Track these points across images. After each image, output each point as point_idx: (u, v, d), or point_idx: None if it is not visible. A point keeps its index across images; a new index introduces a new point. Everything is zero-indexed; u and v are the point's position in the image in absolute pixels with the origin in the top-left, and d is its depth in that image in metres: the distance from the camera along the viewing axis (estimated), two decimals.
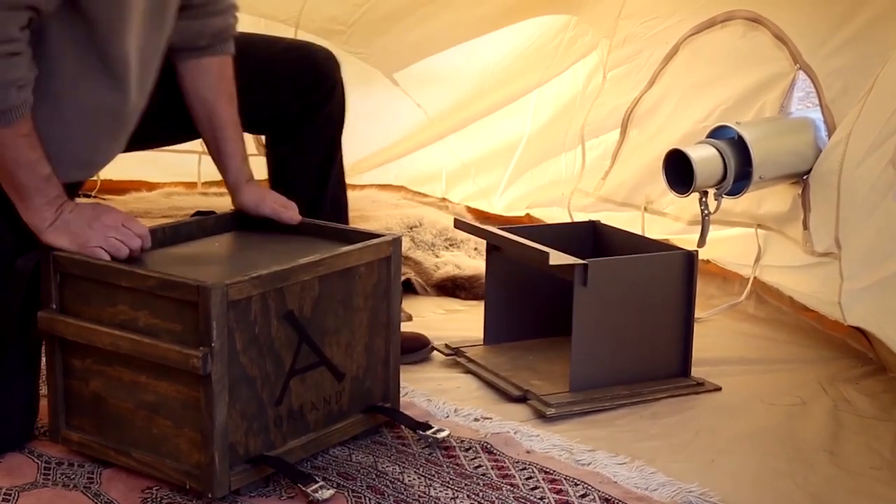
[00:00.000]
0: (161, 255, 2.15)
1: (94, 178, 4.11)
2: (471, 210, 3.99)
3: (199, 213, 2.33)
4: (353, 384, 2.16)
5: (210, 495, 1.92)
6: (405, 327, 2.92)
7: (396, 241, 2.21)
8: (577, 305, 2.41)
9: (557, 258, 2.41)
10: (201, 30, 2.25)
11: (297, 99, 2.41)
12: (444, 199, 4.10)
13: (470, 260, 3.36)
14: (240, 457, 1.95)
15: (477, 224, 2.98)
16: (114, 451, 2.03)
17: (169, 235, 2.23)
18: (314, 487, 1.95)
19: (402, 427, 2.23)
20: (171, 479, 1.97)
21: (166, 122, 2.31)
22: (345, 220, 2.53)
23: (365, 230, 2.29)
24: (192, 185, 4.16)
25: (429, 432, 2.18)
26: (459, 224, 2.90)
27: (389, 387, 2.24)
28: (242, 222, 2.34)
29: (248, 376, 1.95)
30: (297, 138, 2.44)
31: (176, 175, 4.11)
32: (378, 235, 2.21)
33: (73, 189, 2.12)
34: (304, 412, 2.07)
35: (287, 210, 2.27)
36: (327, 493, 1.94)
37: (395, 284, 2.21)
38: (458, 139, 4.09)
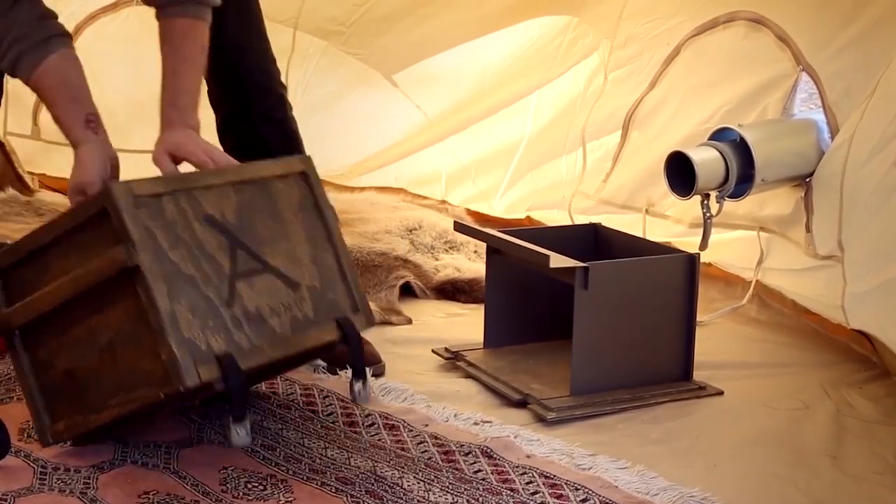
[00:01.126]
0: None
1: None
2: (471, 212, 3.98)
3: None
4: (312, 294, 2.15)
5: (181, 388, 1.89)
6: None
7: (307, 159, 2.26)
8: (578, 309, 2.40)
9: (558, 261, 2.40)
10: None
11: None
12: (443, 202, 4.08)
13: (470, 263, 3.35)
14: (203, 353, 1.93)
15: (477, 227, 2.97)
16: (95, 414, 2.02)
17: None
18: (238, 427, 1.96)
19: (402, 431, 2.22)
20: (148, 401, 1.96)
21: None
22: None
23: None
24: None
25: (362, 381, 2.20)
26: (459, 227, 2.89)
27: (355, 298, 2.23)
28: None
29: (185, 274, 1.95)
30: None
31: None
32: None
33: None
34: (265, 316, 2.06)
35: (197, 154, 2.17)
36: (241, 439, 1.96)
37: (322, 201, 2.24)
38: (457, 141, 4.08)
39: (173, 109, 2.24)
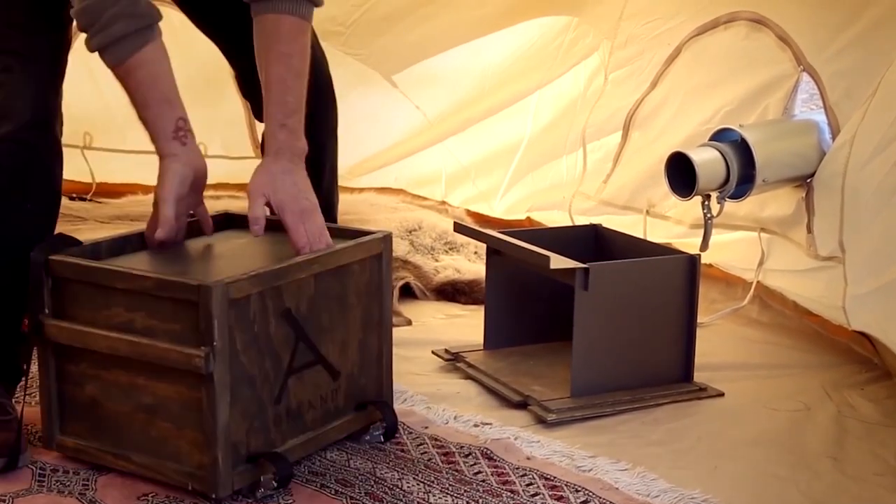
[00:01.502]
0: (147, 257, 2.13)
1: (90, 181, 4.12)
2: (471, 213, 3.97)
3: None
4: (347, 382, 2.15)
5: (214, 496, 1.91)
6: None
7: (387, 239, 2.21)
8: (579, 310, 2.39)
9: (558, 262, 2.39)
10: None
11: None
12: (443, 203, 4.08)
13: (470, 264, 3.34)
14: (241, 456, 1.94)
15: (477, 228, 2.96)
16: (112, 455, 2.02)
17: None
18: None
19: (401, 433, 2.22)
20: (172, 482, 1.96)
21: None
22: (333, 219, 2.48)
23: (353, 228, 2.28)
24: None
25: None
26: (459, 228, 2.88)
27: (383, 384, 2.23)
28: (231, 223, 2.31)
29: (249, 375, 1.94)
30: None
31: None
32: (368, 233, 2.21)
33: None
34: (302, 411, 2.06)
35: (256, 222, 2.09)
36: None
37: (386, 282, 2.21)
38: (457, 141, 4.08)
39: (283, 131, 2.11)
